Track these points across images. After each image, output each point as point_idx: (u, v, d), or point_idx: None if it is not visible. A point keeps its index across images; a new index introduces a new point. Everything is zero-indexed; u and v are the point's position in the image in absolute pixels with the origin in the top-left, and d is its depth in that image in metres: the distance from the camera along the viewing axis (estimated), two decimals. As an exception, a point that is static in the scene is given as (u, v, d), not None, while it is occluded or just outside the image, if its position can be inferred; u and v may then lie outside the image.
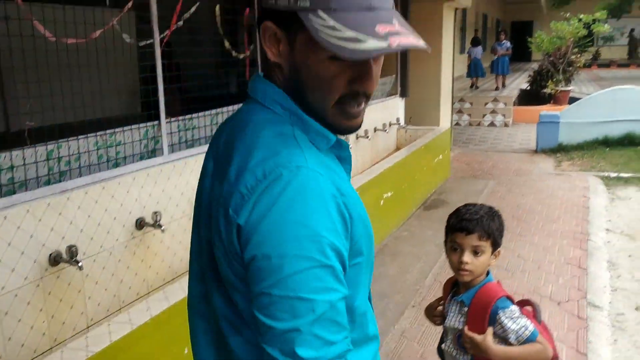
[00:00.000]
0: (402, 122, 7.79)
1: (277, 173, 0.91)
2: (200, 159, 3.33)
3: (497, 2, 32.26)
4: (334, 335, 0.90)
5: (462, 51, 22.30)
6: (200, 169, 1.12)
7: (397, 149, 7.67)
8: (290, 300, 0.87)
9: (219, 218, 0.96)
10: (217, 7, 3.82)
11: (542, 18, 32.01)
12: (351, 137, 6.09)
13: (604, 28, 12.99)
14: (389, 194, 5.42)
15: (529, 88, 14.50)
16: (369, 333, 1.11)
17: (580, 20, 13.08)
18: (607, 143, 8.76)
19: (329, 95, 0.99)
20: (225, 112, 3.91)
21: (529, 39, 13.83)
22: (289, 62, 1.00)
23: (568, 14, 13.70)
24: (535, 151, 9.07)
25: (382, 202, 5.27)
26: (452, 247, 1.88)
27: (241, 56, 4.05)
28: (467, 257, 1.83)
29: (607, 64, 31.96)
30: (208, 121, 3.78)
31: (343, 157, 1.11)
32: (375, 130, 6.84)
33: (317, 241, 0.89)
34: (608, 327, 3.72)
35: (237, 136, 1.02)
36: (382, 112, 7.10)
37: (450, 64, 9.13)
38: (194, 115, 3.64)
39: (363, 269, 1.04)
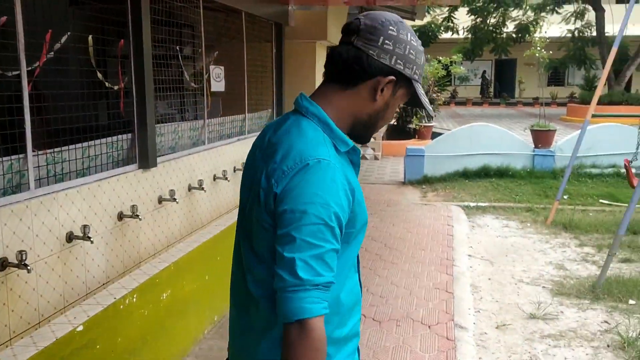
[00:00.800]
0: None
1: (306, 161, 1.35)
2: (71, 194, 3.24)
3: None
4: (324, 271, 1.32)
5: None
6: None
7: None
8: (301, 241, 1.30)
9: (261, 183, 1.40)
10: (90, 38, 3.71)
11: (405, 58, 34.24)
12: (208, 181, 6.10)
13: (460, 69, 14.20)
14: (267, 227, 5.48)
15: (395, 124, 15.38)
16: (349, 331, 1.53)
17: (439, 62, 14.16)
18: (466, 175, 9.49)
19: (388, 122, 1.66)
20: (98, 145, 3.77)
21: (395, 78, 14.74)
22: (385, 102, 1.51)
23: (428, 56, 14.81)
24: (403, 183, 9.60)
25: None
26: None
27: (115, 87, 3.94)
28: None
29: (464, 102, 34.77)
30: (79, 154, 3.61)
31: (355, 161, 1.56)
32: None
33: (326, 208, 1.32)
34: (473, 347, 4.00)
35: (284, 133, 1.45)
36: (259, 145, 7.19)
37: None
38: (64, 148, 3.47)
39: (351, 240, 1.47)
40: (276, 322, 1.39)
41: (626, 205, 7.88)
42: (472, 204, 8.18)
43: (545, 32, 25.86)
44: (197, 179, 5.24)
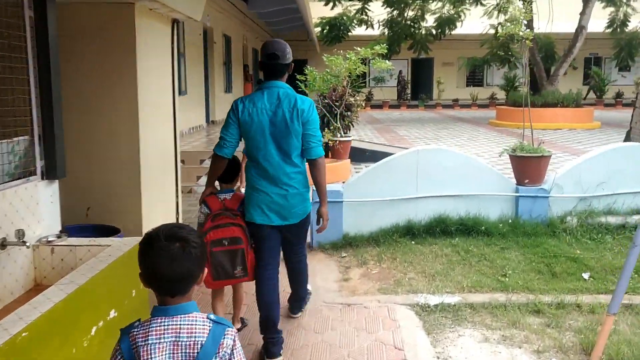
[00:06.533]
0: (49, 230, 3.86)
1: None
2: None
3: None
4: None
5: (228, 90, 19.13)
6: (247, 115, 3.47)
7: (37, 287, 3.73)
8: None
9: (296, 115, 3.45)
10: None
11: (316, 57, 30.61)
12: None
13: (386, 64, 10.63)
14: None
15: (302, 137, 11.61)
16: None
17: (358, 54, 10.53)
18: (412, 232, 5.81)
19: None
20: None
21: (298, 77, 10.93)
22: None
23: (341, 51, 11.14)
24: (310, 247, 5.78)
25: None
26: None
27: None
28: None
29: (380, 105, 31.68)
30: None
31: None
32: None
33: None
34: None
35: (284, 94, 3.52)
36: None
37: (169, 111, 5.51)
38: None
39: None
40: None
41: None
42: (432, 300, 4.50)
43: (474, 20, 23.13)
44: None
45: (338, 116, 10.62)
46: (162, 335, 1.66)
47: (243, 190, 3.79)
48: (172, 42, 5.53)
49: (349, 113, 11.07)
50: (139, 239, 3.88)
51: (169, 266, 1.67)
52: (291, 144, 3.49)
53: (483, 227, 5.70)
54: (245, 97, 3.56)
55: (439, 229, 5.79)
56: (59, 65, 3.87)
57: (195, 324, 1.67)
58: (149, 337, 1.66)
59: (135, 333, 1.69)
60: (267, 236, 3.61)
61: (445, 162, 5.84)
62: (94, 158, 4.59)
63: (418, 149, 5.87)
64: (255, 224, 3.58)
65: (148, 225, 4.75)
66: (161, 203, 5.19)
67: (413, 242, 5.69)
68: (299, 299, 4.20)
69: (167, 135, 5.47)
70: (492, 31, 25.06)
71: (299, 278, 4.03)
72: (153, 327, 1.67)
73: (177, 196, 5.73)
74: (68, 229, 4.55)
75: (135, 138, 4.57)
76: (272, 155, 3.49)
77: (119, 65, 4.47)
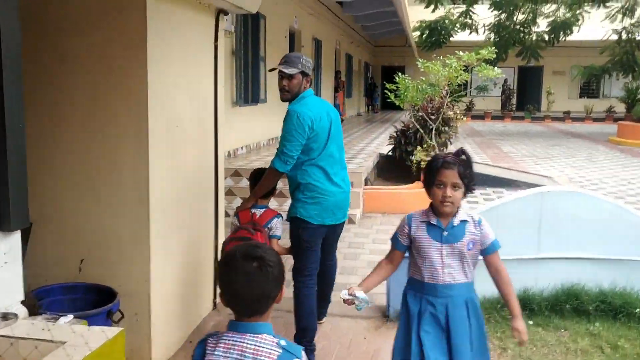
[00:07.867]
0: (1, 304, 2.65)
1: None
2: None
3: (365, 45, 28.81)
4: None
5: (316, 97, 17.91)
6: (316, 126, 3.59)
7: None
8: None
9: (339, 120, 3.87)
10: None
11: (413, 64, 28.97)
12: None
13: (494, 72, 8.90)
14: None
15: (391, 153, 10.13)
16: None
17: (460, 60, 8.88)
18: (529, 307, 4.16)
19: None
20: None
21: (387, 85, 9.44)
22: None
23: (441, 57, 9.51)
24: (387, 317, 4.29)
25: None
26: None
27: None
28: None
29: (482, 116, 29.43)
30: None
31: None
32: None
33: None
34: None
35: (323, 101, 3.94)
36: None
37: (209, 127, 4.25)
38: None
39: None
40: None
41: None
42: None
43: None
44: None
45: (433, 132, 9.03)
46: (229, 351, 1.67)
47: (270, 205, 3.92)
48: (216, 39, 4.26)
49: (446, 128, 9.45)
50: (114, 329, 2.55)
51: (247, 286, 1.66)
52: (342, 145, 3.90)
53: (638, 310, 3.96)
54: (304, 108, 3.62)
55: (570, 306, 4.09)
56: (19, 66, 2.65)
57: (263, 347, 1.65)
58: (217, 349, 1.68)
59: (209, 341, 1.71)
60: (318, 239, 3.73)
61: (581, 211, 4.15)
62: (89, 195, 3.37)
63: (542, 190, 4.21)
64: (317, 225, 3.66)
65: (159, 286, 3.48)
66: (185, 252, 3.90)
67: (531, 322, 4.04)
68: (327, 301, 4.19)
69: (203, 157, 4.19)
70: (615, 37, 22.34)
71: (331, 280, 4.15)
72: (223, 340, 1.69)
73: (216, 237, 4.44)
74: (53, 289, 3.39)
75: (142, 167, 3.30)
76: (335, 157, 3.75)
77: (123, 69, 3.22)
